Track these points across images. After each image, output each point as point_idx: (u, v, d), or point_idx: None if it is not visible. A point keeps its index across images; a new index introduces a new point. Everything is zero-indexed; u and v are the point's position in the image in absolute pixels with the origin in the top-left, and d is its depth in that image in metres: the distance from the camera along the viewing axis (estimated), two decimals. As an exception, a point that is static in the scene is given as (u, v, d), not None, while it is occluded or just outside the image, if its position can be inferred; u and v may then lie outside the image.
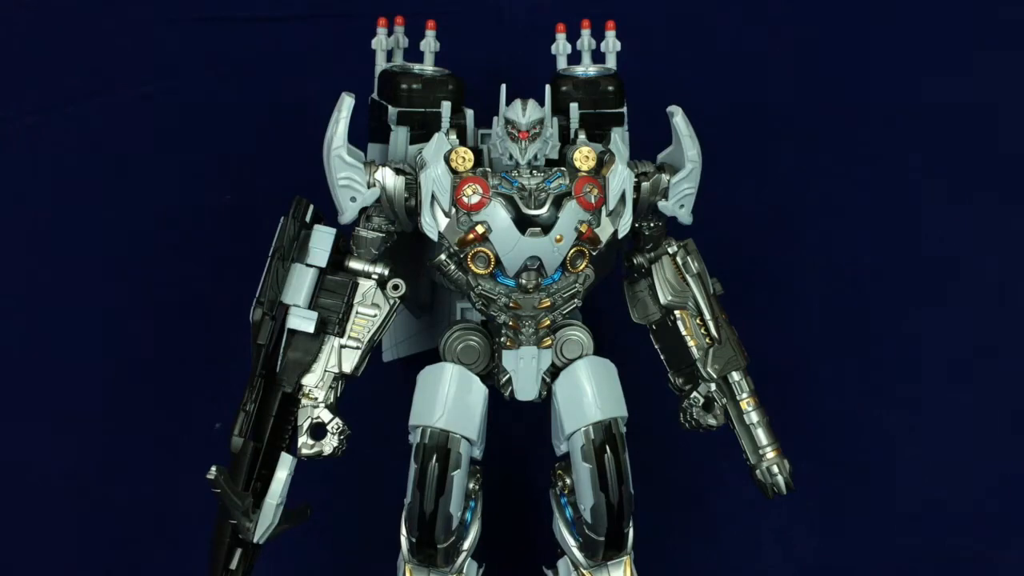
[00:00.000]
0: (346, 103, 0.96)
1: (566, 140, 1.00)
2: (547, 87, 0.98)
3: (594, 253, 0.96)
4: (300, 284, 0.97)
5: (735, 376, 1.05)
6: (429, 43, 1.03)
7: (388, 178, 0.97)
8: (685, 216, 1.01)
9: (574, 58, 1.05)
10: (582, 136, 0.99)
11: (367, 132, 1.05)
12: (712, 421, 1.05)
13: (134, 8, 1.24)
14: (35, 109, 1.23)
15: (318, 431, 0.97)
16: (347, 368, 0.98)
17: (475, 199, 0.93)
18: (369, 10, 1.06)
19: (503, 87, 0.96)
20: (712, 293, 1.06)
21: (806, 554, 1.31)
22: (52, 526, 1.23)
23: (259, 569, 0.98)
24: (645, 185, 1.00)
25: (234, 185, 1.25)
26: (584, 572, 1.03)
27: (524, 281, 0.94)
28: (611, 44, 1.04)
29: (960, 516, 1.30)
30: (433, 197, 0.94)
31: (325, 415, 0.97)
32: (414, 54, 1.04)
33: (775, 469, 1.05)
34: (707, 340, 1.05)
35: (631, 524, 1.00)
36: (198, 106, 1.25)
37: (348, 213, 0.97)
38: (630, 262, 1.06)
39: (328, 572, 1.27)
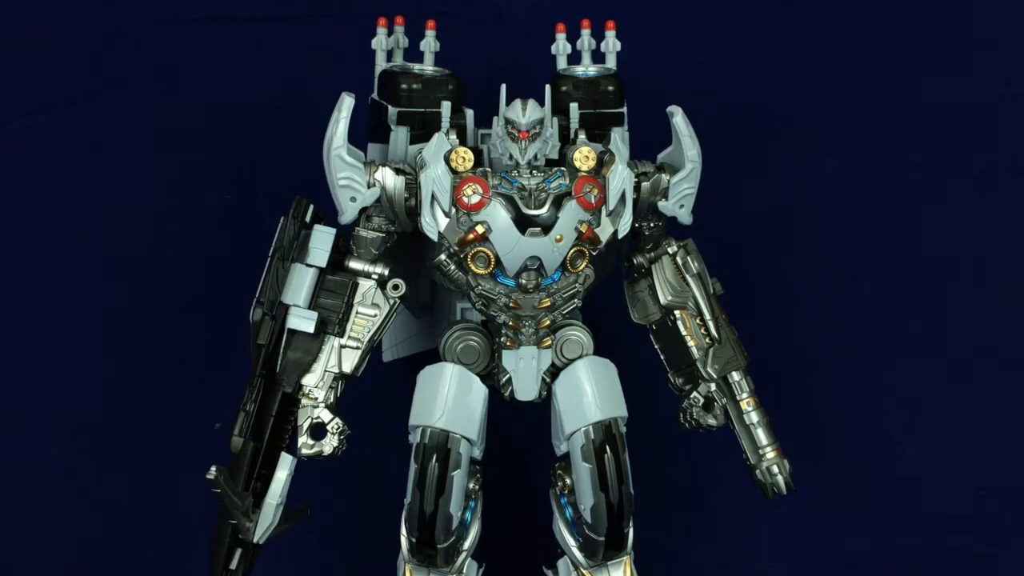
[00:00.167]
0: (346, 103, 0.96)
1: (566, 140, 1.00)
2: (547, 87, 0.98)
3: (594, 253, 0.96)
4: (300, 284, 0.97)
5: (735, 376, 1.05)
6: (429, 43, 1.03)
7: (388, 178, 0.97)
8: (685, 216, 1.01)
9: (574, 58, 1.05)
10: (582, 136, 0.99)
11: (367, 132, 1.05)
12: (712, 421, 1.05)
13: (134, 8, 1.24)
14: (35, 109, 1.23)
15: (318, 431, 0.97)
16: (347, 368, 0.98)
17: (475, 199, 0.93)
18: (369, 10, 1.06)
19: (503, 87, 0.96)
20: (712, 293, 1.06)
21: (806, 554, 1.31)
22: (52, 526, 1.23)
23: (259, 569, 0.98)
24: (645, 185, 1.00)
25: (234, 185, 1.25)
26: (584, 572, 1.03)
27: (524, 281, 0.94)
28: (611, 44, 1.04)
29: (960, 516, 1.30)
30: (433, 197, 0.94)
31: (325, 415, 0.97)
32: (414, 54, 1.04)
33: (775, 469, 1.05)
34: (707, 340, 1.05)
35: (631, 524, 1.00)
36: (198, 106, 1.25)
37: (348, 213, 0.97)
38: (630, 262, 1.06)
39: (328, 572, 1.27)
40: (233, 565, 0.96)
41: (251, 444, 0.96)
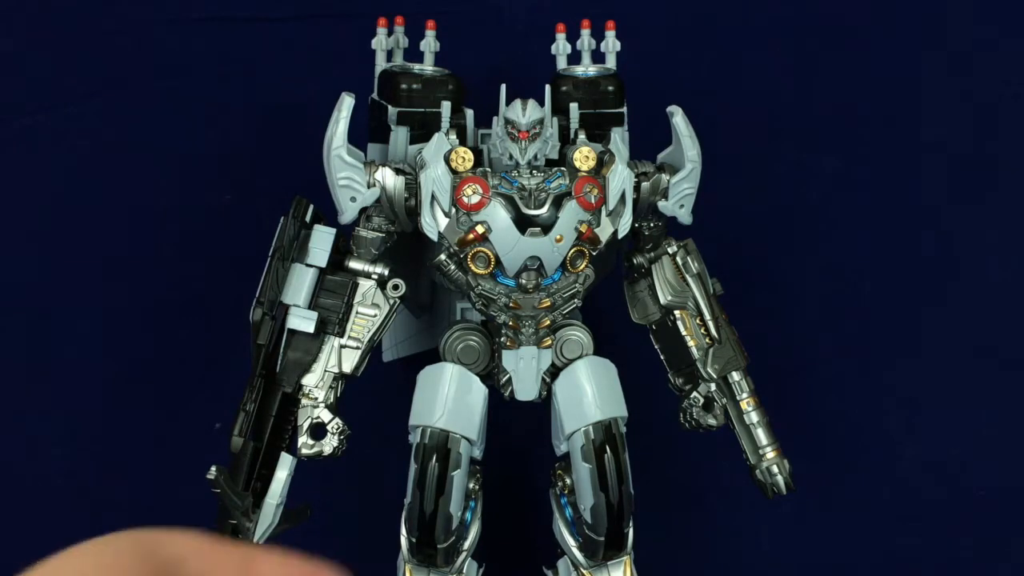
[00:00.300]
0: (346, 103, 0.96)
1: (566, 140, 1.00)
2: (547, 87, 0.99)
3: (594, 253, 0.96)
4: (300, 284, 0.97)
5: (735, 376, 1.05)
6: (429, 43, 1.03)
7: (388, 178, 0.97)
8: (685, 216, 1.01)
9: (574, 58, 1.05)
10: (582, 136, 0.99)
11: (367, 132, 1.05)
12: (712, 421, 1.05)
13: (134, 8, 1.24)
14: (35, 109, 1.23)
15: (318, 431, 0.97)
16: (347, 368, 0.98)
17: (475, 199, 0.93)
18: (369, 10, 1.06)
19: (503, 87, 0.96)
20: (712, 293, 1.06)
21: (806, 554, 1.31)
22: (52, 526, 1.23)
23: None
24: (645, 185, 1.00)
25: (234, 185, 1.25)
26: (584, 572, 1.03)
27: (524, 281, 0.94)
28: (611, 44, 1.04)
29: (960, 516, 1.30)
30: (433, 197, 0.94)
31: (325, 415, 0.97)
32: (414, 54, 1.04)
33: (775, 469, 1.05)
34: (707, 340, 1.05)
35: (631, 524, 1.00)
36: (198, 106, 1.25)
37: (348, 213, 0.97)
38: (630, 262, 1.06)
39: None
40: (233, 565, 0.96)
41: (251, 444, 0.96)
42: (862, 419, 1.31)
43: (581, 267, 0.96)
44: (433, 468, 0.95)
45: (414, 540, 0.97)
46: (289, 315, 0.97)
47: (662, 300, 1.05)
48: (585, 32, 1.03)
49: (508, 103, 0.95)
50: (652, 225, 1.04)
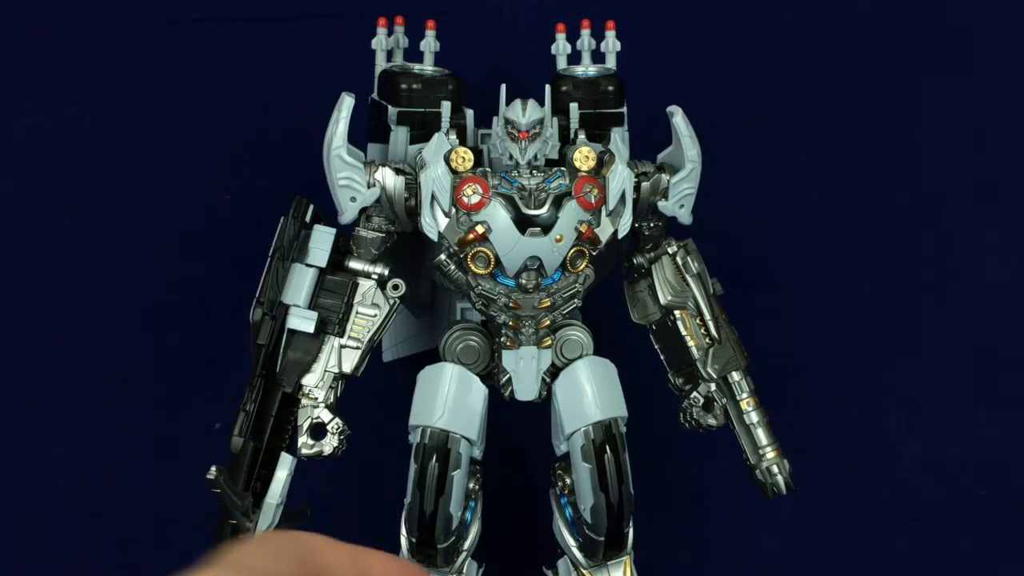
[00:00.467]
0: (346, 103, 0.96)
1: (566, 140, 1.00)
2: (547, 87, 0.99)
3: (594, 253, 0.96)
4: (300, 284, 0.97)
5: (735, 376, 1.05)
6: (429, 43, 1.03)
7: (388, 178, 0.97)
8: (685, 216, 1.01)
9: (574, 58, 1.05)
10: (582, 136, 0.99)
11: (367, 132, 1.05)
12: (712, 421, 1.05)
13: (134, 8, 1.24)
14: (35, 109, 1.23)
15: (318, 431, 0.97)
16: (347, 368, 0.98)
17: (475, 199, 0.93)
18: (369, 10, 1.06)
19: (503, 87, 0.96)
20: (712, 293, 1.06)
21: (806, 554, 1.31)
22: (52, 526, 1.23)
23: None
24: (645, 185, 1.00)
25: (234, 185, 1.25)
26: (584, 572, 1.03)
27: (524, 281, 0.94)
28: (611, 44, 1.04)
29: (960, 516, 1.30)
30: (433, 197, 0.94)
31: (325, 415, 0.97)
32: (414, 54, 1.04)
33: (775, 469, 1.05)
34: (707, 340, 1.05)
35: (631, 524, 1.00)
36: (198, 106, 1.25)
37: (348, 213, 0.97)
38: (630, 262, 1.06)
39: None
40: (233, 565, 0.96)
41: (251, 444, 0.96)
42: (862, 419, 1.31)
43: (581, 267, 0.96)
44: (433, 468, 0.95)
45: (414, 540, 0.97)
46: (289, 315, 0.97)
47: (662, 300, 1.05)
48: (585, 32, 1.03)
49: (508, 103, 0.95)
50: (652, 225, 1.04)
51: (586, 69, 1.04)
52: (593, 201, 0.94)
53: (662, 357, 1.07)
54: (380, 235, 0.99)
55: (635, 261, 1.05)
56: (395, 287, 0.99)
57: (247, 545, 0.48)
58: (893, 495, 1.30)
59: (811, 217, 1.31)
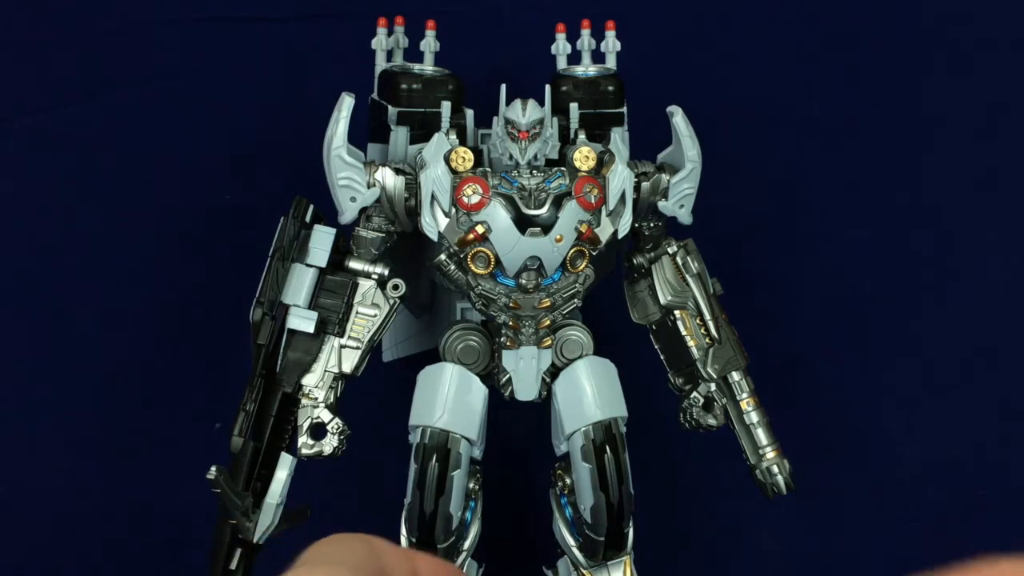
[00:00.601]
0: (346, 103, 0.96)
1: (566, 140, 1.00)
2: (547, 87, 0.99)
3: (594, 253, 0.96)
4: (300, 284, 0.97)
5: (735, 376, 1.05)
6: (429, 43, 1.03)
7: (388, 178, 0.97)
8: (685, 216, 1.01)
9: (574, 58, 1.05)
10: (582, 136, 0.99)
11: (367, 132, 1.05)
12: (712, 421, 1.05)
13: (134, 8, 1.24)
14: (35, 109, 1.23)
15: (318, 431, 0.97)
16: (347, 368, 0.98)
17: (475, 199, 0.93)
18: (369, 10, 1.06)
19: (503, 87, 0.96)
20: (712, 293, 1.06)
21: (806, 554, 1.31)
22: (52, 526, 1.23)
23: (259, 569, 0.98)
24: (645, 185, 1.00)
25: (234, 185, 1.25)
26: (584, 572, 1.03)
27: (524, 281, 0.94)
28: (611, 44, 1.04)
29: (960, 516, 1.30)
30: (433, 197, 0.94)
31: (325, 415, 0.97)
32: (414, 54, 1.04)
33: (775, 469, 1.05)
34: (707, 340, 1.05)
35: (631, 524, 1.00)
36: (198, 106, 1.25)
37: (348, 213, 0.97)
38: (630, 262, 1.06)
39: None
40: (233, 565, 0.96)
41: (251, 444, 0.96)
42: (862, 419, 1.31)
43: (581, 267, 0.96)
44: (433, 468, 0.95)
45: (414, 540, 0.97)
46: (289, 315, 0.97)
47: (662, 300, 1.05)
48: (585, 32, 1.03)
49: (508, 103, 0.95)
50: (652, 225, 1.04)
51: (586, 69, 1.04)
52: (593, 201, 0.94)
53: (662, 357, 1.07)
54: (380, 235, 0.99)
55: (635, 261, 1.05)
56: (395, 287, 0.99)
57: (328, 545, 0.52)
58: (893, 495, 1.30)
59: (811, 217, 1.31)
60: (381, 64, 1.04)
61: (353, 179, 0.96)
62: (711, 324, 1.04)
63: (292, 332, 0.97)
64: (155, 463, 1.23)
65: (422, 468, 0.96)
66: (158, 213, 1.24)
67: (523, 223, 0.92)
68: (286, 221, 0.97)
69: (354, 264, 0.99)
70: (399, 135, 1.01)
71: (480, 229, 0.93)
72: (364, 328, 0.98)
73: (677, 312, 1.05)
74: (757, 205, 1.31)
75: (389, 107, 1.00)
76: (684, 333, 1.05)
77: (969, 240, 1.31)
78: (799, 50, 1.32)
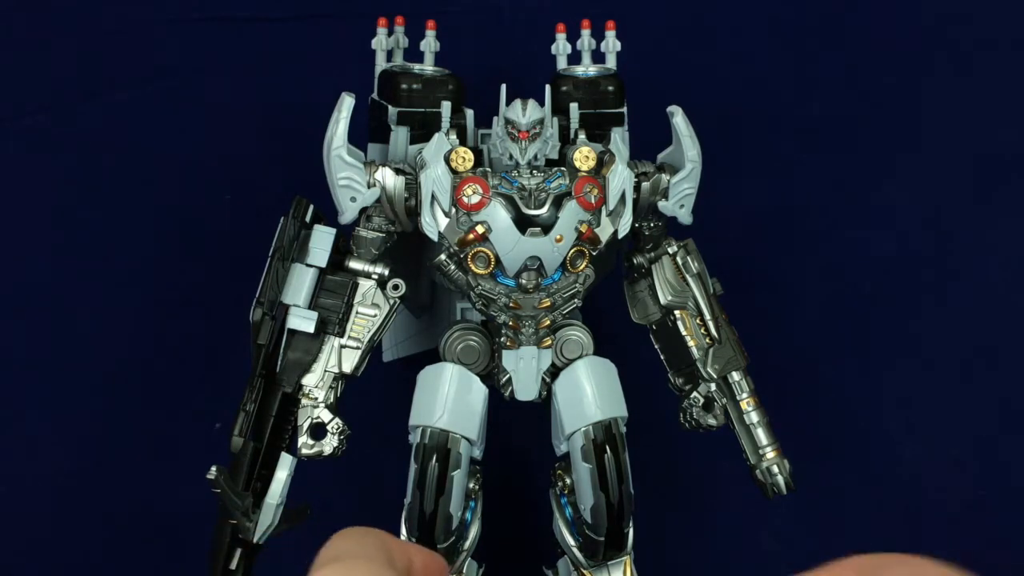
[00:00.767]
0: (346, 103, 0.96)
1: (566, 140, 1.00)
2: (547, 87, 0.99)
3: (594, 253, 0.96)
4: (300, 284, 0.97)
5: (735, 376, 1.05)
6: (429, 43, 1.03)
7: (388, 178, 0.97)
8: (685, 216, 1.01)
9: (574, 58, 1.05)
10: (582, 136, 0.99)
11: (367, 132, 1.05)
12: (712, 421, 1.05)
13: (134, 8, 1.24)
14: (35, 109, 1.23)
15: (318, 431, 0.97)
16: (347, 368, 0.98)
17: (475, 199, 0.93)
18: (369, 10, 1.06)
19: (503, 87, 0.96)
20: (712, 293, 1.06)
21: (806, 554, 1.31)
22: (52, 526, 1.23)
23: (259, 569, 0.98)
24: (645, 185, 1.00)
25: (234, 185, 1.25)
26: (584, 572, 1.03)
27: (524, 281, 0.94)
28: (611, 44, 1.04)
29: (960, 516, 1.30)
30: (433, 197, 0.94)
31: (325, 415, 0.97)
32: (414, 54, 1.04)
33: (775, 469, 1.05)
34: (707, 340, 1.05)
35: (631, 524, 1.00)
36: (198, 106, 1.25)
37: (348, 213, 0.97)
38: (630, 262, 1.06)
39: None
40: (233, 565, 0.96)
41: (251, 444, 0.96)
42: (862, 419, 1.31)
43: (581, 267, 0.96)
44: (433, 468, 0.95)
45: (414, 540, 0.97)
46: (289, 315, 0.97)
47: (662, 300, 1.05)
48: (585, 32, 1.03)
49: (508, 103, 0.95)
50: (652, 225, 1.04)
51: (586, 69, 1.04)
52: (593, 201, 0.94)
53: (662, 357, 1.07)
54: (380, 235, 0.99)
55: (635, 261, 1.05)
56: (395, 287, 0.99)
57: (345, 540, 0.55)
58: (893, 495, 1.30)
59: (811, 217, 1.31)
60: (381, 64, 1.04)
61: (353, 179, 0.96)
62: (711, 324, 1.04)
63: (292, 332, 0.97)
64: (155, 463, 1.23)
65: (422, 468, 0.96)
66: (158, 213, 1.24)
67: (523, 223, 0.92)
68: (286, 221, 0.97)
69: (354, 264, 0.99)
70: (399, 135, 1.01)
71: (480, 229, 0.93)
72: (364, 328, 0.98)
73: (677, 312, 1.05)
74: (757, 205, 1.31)
75: (389, 107, 1.00)
76: (684, 333, 1.05)
77: (969, 240, 1.31)
78: (799, 50, 1.32)
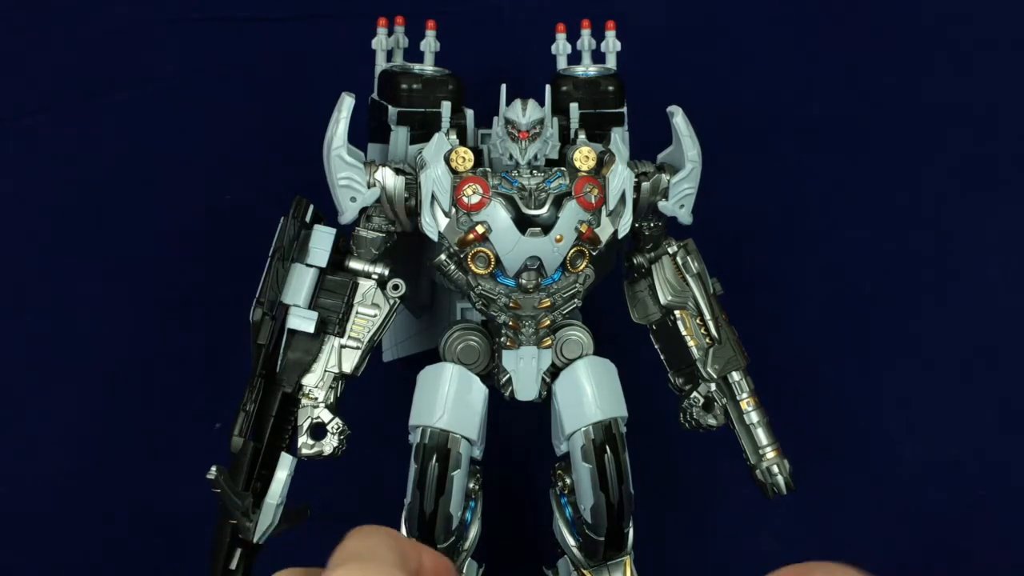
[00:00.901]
0: (346, 103, 0.96)
1: (566, 140, 1.00)
2: (547, 87, 0.99)
3: (594, 253, 0.96)
4: (300, 284, 0.97)
5: (735, 376, 1.05)
6: (429, 43, 1.03)
7: (388, 178, 0.97)
8: (685, 216, 1.01)
9: (574, 58, 1.05)
10: (582, 136, 0.99)
11: (367, 132, 1.05)
12: (712, 421, 1.05)
13: (134, 8, 1.24)
14: (35, 109, 1.23)
15: (318, 431, 0.97)
16: (347, 368, 0.98)
17: (475, 199, 0.93)
18: (369, 10, 1.06)
19: (503, 87, 0.96)
20: (712, 293, 1.06)
21: (806, 554, 1.30)
22: (51, 526, 1.23)
23: (259, 569, 0.98)
24: (645, 185, 1.00)
25: (234, 185, 1.25)
26: (584, 572, 1.03)
27: (524, 281, 0.94)
28: (611, 44, 1.04)
29: (960, 516, 1.30)
30: (433, 197, 0.94)
31: (325, 415, 0.97)
32: (414, 54, 1.04)
33: (775, 469, 1.05)
34: (707, 340, 1.05)
35: (631, 524, 1.00)
36: (198, 106, 1.25)
37: (348, 213, 0.97)
38: (630, 262, 1.06)
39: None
40: (233, 565, 0.96)
41: (251, 444, 0.96)
42: (862, 419, 1.31)
43: (581, 267, 0.96)
44: (433, 468, 0.95)
45: (414, 540, 0.97)
46: (289, 315, 0.97)
47: (662, 300, 1.05)
48: (585, 32, 1.03)
49: (508, 103, 0.95)
50: (652, 225, 1.04)
51: (586, 69, 1.04)
52: (593, 201, 0.94)
53: (662, 357, 1.07)
54: (380, 235, 0.99)
55: (635, 261, 1.05)
56: (395, 287, 0.99)
57: (359, 540, 0.56)
58: (893, 495, 1.30)
59: (811, 217, 1.31)
60: (381, 64, 1.04)
61: (353, 179, 0.96)
62: (711, 324, 1.04)
63: (292, 332, 0.97)
64: (155, 463, 1.23)
65: (422, 468, 0.96)
66: (158, 213, 1.24)
67: (523, 223, 0.92)
68: (286, 221, 0.97)
69: (354, 264, 0.99)
70: (399, 135, 1.01)
71: (480, 229, 0.93)
72: (364, 328, 0.98)
73: (677, 312, 1.05)
74: (757, 205, 1.31)
75: (389, 107, 1.00)
76: (684, 333, 1.05)
77: (969, 240, 1.31)
78: (799, 50, 1.32)
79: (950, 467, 1.31)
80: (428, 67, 1.02)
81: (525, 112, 0.94)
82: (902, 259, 1.31)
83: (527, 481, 1.25)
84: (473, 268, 0.95)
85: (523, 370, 0.99)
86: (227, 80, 1.25)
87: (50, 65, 1.23)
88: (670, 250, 1.05)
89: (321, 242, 0.98)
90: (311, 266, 0.97)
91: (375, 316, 0.99)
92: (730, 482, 1.23)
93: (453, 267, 0.96)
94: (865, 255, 1.31)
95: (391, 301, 0.99)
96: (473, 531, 1.02)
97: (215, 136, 1.25)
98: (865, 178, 1.31)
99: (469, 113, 1.02)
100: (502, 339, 0.99)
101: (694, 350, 1.05)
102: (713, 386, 1.05)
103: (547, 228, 0.93)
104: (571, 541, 1.03)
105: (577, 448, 0.98)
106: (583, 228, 0.94)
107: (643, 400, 1.03)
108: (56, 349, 1.23)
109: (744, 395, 1.05)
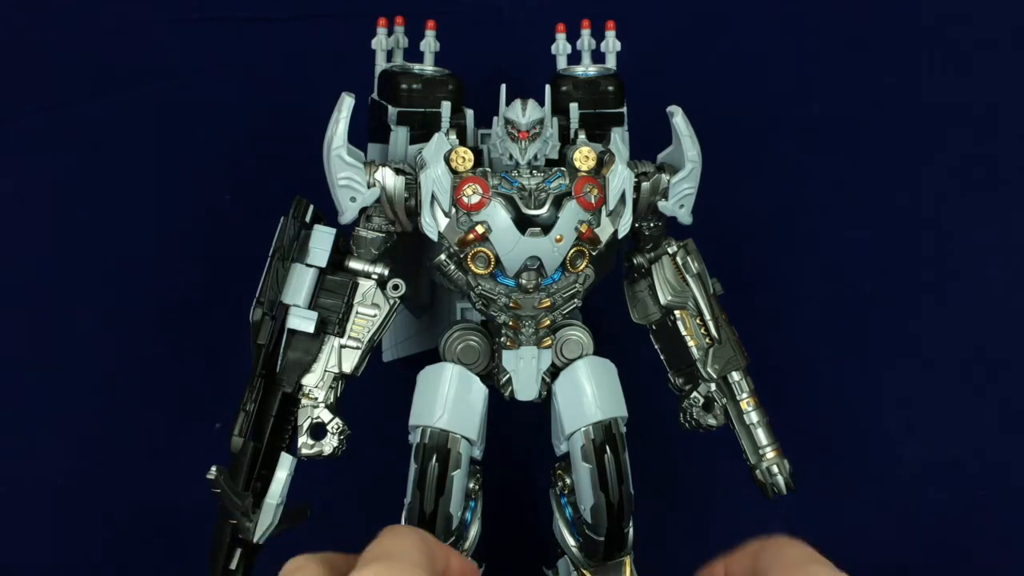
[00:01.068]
0: (346, 103, 0.96)
1: (566, 140, 1.00)
2: (547, 87, 0.98)
3: (594, 253, 0.96)
4: (300, 284, 0.97)
5: (735, 376, 1.05)
6: (429, 43, 1.03)
7: (388, 178, 0.97)
8: (685, 216, 1.01)
9: (574, 58, 1.05)
10: (582, 136, 0.99)
11: (367, 132, 1.05)
12: (712, 421, 1.05)
13: (134, 8, 1.24)
14: (35, 109, 1.23)
15: (318, 431, 0.97)
16: (347, 368, 0.98)
17: (475, 199, 0.93)
18: (369, 10, 1.06)
19: (503, 87, 0.96)
20: (712, 293, 1.06)
21: (806, 554, 1.31)
22: (51, 526, 1.23)
23: (259, 569, 0.98)
24: (645, 185, 1.00)
25: (234, 185, 1.25)
26: (584, 572, 1.03)
27: (524, 281, 0.94)
28: (611, 44, 1.04)
29: (960, 516, 1.30)
30: (433, 197, 0.94)
31: (325, 415, 0.97)
32: (414, 54, 1.04)
33: (775, 469, 1.05)
34: (707, 340, 1.05)
35: (631, 524, 1.00)
36: (198, 106, 1.25)
37: (348, 213, 0.97)
38: (630, 262, 1.06)
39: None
40: (233, 565, 0.96)
41: (251, 444, 0.96)
42: (862, 419, 1.31)
43: (581, 267, 0.96)
44: (433, 468, 0.95)
45: (414, 540, 0.97)
46: (289, 315, 0.97)
47: (662, 300, 1.05)
48: (585, 32, 1.03)
49: (508, 103, 0.95)
50: (652, 225, 1.04)
51: (586, 69, 1.04)
52: (593, 201, 0.94)
53: (662, 357, 1.07)
54: (380, 235, 0.99)
55: (635, 261, 1.05)
56: (395, 287, 0.99)
57: (389, 539, 0.58)
58: (893, 495, 1.30)
59: (811, 217, 1.31)
60: (381, 64, 1.04)
61: (353, 179, 0.96)
62: (711, 324, 1.04)
63: (292, 332, 0.97)
64: (155, 463, 1.23)
65: (422, 468, 0.96)
66: (158, 213, 1.24)
67: (523, 223, 0.92)
68: (286, 221, 0.97)
69: (354, 264, 0.99)
70: (399, 135, 1.01)
71: (480, 229, 0.93)
72: (364, 328, 0.98)
73: (677, 312, 1.05)
74: (757, 205, 1.31)
75: (389, 107, 1.00)
76: (684, 333, 1.05)
77: (969, 240, 1.31)
78: (799, 50, 1.32)
79: (950, 467, 1.31)
80: (428, 67, 1.02)
81: (525, 112, 0.94)
82: (902, 259, 1.31)
83: (527, 481, 1.25)
84: (473, 268, 0.95)
85: (523, 370, 0.99)
86: (227, 80, 1.26)
87: (50, 65, 1.23)
88: (670, 250, 1.05)
89: (321, 242, 0.98)
90: (311, 266, 0.97)
91: (375, 316, 0.99)
92: (730, 482, 1.23)
93: (453, 267, 0.96)
94: (865, 255, 1.31)
95: (391, 301, 0.99)
96: (473, 531, 1.02)
97: (215, 136, 1.25)
98: (865, 178, 1.31)
99: (469, 113, 1.02)
100: (502, 339, 0.99)
101: (694, 350, 1.05)
102: (713, 386, 1.05)
103: (547, 228, 0.93)
104: (571, 541, 1.03)
105: (577, 448, 0.98)
106: (583, 228, 0.94)
107: (643, 400, 1.03)
108: (56, 349, 1.23)
109: (744, 395, 1.05)
